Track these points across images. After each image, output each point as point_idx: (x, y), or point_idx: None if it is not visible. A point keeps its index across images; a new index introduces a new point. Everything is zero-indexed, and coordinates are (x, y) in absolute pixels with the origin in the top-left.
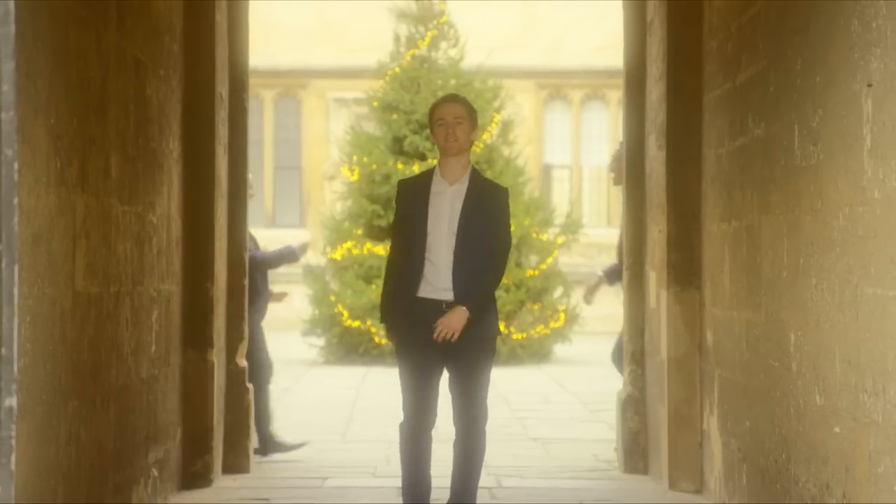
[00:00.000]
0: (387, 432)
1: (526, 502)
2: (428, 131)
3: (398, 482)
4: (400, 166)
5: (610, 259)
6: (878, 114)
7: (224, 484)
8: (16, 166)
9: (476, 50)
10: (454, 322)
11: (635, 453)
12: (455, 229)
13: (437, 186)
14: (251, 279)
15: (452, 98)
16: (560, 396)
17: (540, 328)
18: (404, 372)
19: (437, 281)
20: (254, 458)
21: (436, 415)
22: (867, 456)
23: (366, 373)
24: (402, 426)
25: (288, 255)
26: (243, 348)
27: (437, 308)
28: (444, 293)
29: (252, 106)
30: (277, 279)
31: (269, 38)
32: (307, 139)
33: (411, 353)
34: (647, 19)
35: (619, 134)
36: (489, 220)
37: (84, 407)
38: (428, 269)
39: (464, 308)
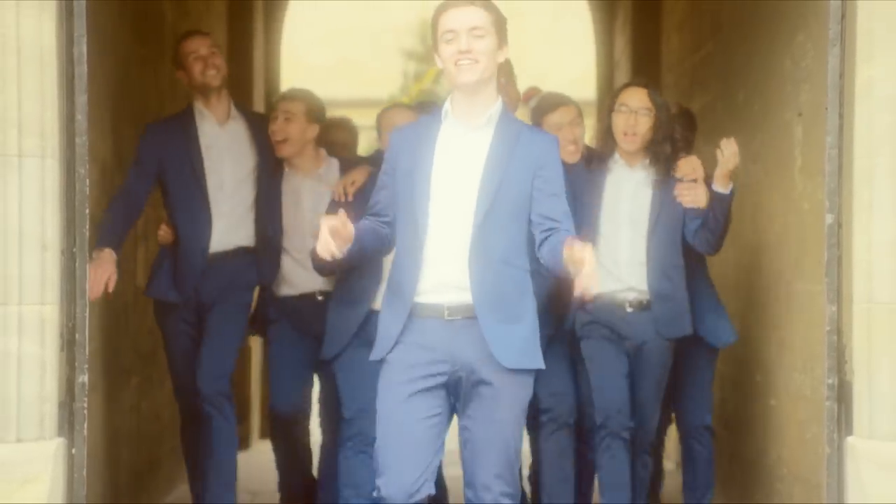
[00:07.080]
0: None
1: None
2: None
3: None
4: None
5: None
6: (806, 138)
7: (260, 447)
8: (87, 182)
9: None
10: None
11: None
12: (475, 197)
13: (450, 133)
14: None
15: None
16: None
17: None
18: (388, 418)
19: (445, 275)
20: None
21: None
22: (798, 424)
23: None
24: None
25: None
26: None
27: (439, 316)
28: (453, 293)
29: None
30: None
31: (297, 73)
32: None
33: (408, 391)
34: (614, 58)
35: None
36: (531, 184)
37: (144, 383)
38: (430, 258)
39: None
